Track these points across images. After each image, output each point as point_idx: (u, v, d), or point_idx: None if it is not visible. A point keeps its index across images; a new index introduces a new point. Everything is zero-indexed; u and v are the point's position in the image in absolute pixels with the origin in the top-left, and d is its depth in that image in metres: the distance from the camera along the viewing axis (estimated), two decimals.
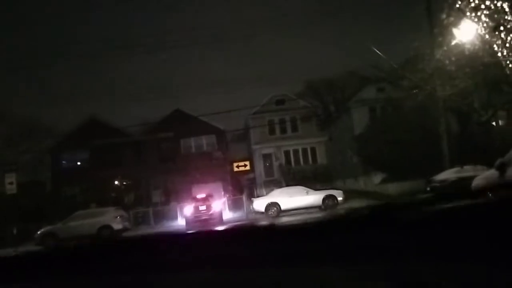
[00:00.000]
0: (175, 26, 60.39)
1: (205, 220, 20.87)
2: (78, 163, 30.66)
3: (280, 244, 1.67)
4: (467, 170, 18.44)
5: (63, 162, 30.54)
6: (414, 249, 1.48)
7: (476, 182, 9.94)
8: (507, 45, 13.43)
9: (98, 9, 60.85)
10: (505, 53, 13.83)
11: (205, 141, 31.44)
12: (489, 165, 13.62)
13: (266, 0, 62.94)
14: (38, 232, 19.70)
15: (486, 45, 15.83)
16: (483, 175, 9.99)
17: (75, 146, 29.18)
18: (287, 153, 31.38)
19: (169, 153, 29.22)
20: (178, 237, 2.37)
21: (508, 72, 14.76)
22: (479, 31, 15.65)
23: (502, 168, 8.06)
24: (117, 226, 19.83)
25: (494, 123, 22.91)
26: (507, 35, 12.98)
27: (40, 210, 24.54)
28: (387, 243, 1.53)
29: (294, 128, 32.08)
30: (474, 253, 1.41)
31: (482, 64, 17.65)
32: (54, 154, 30.39)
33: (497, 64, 15.93)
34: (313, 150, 31.55)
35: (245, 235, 1.97)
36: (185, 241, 2.06)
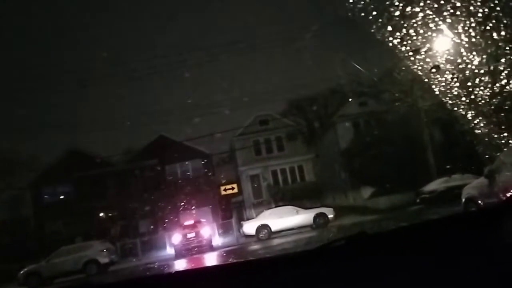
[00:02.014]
0: (155, 52, 60.59)
1: (195, 247, 20.42)
2: (61, 197, 29.98)
3: (258, 277, 1.67)
4: (455, 179, 18.54)
5: (45, 196, 29.83)
6: (390, 277, 1.47)
7: (467, 192, 9.85)
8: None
9: (77, 37, 60.81)
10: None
11: (191, 166, 31.13)
12: (477, 172, 13.62)
13: (243, 22, 63.77)
14: (21, 272, 18.99)
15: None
16: (473, 184, 9.92)
17: (57, 180, 28.55)
18: (274, 173, 31.20)
19: (154, 181, 28.76)
20: (165, 275, 2.26)
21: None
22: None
23: (491, 176, 7.99)
24: (103, 260, 19.27)
25: (476, 132, 23.14)
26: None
27: (22, 249, 23.75)
28: (363, 272, 1.53)
29: (280, 148, 32.00)
30: (454, 280, 1.39)
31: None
32: (35, 189, 29.71)
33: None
34: (300, 168, 31.43)
35: (225, 271, 1.94)
36: (172, 280, 1.94)
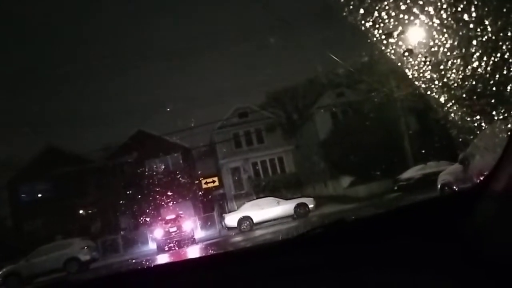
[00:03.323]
0: (131, 47, 59.52)
1: (177, 241, 20.37)
2: (39, 195, 29.37)
3: (239, 268, 1.69)
4: (431, 166, 18.98)
5: (23, 195, 29.19)
6: (369, 264, 1.49)
7: (442, 178, 10.11)
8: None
9: (51, 31, 59.21)
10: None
11: (171, 161, 30.90)
12: (451, 159, 13.97)
13: (220, 16, 63.29)
14: (0, 273, 18.59)
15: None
16: (448, 170, 10.19)
17: (34, 178, 27.96)
18: (255, 165, 31.27)
19: (134, 176, 28.44)
20: (147, 270, 2.27)
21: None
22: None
23: (465, 162, 8.20)
24: (84, 257, 19.09)
25: (450, 118, 23.68)
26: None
27: (0, 249, 23.21)
28: (343, 259, 1.56)
29: (260, 140, 32.07)
30: (431, 264, 1.43)
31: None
32: (12, 187, 29.03)
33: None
34: (280, 159, 31.60)
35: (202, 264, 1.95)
36: (154, 273, 1.95)
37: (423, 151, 21.82)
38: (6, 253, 22.16)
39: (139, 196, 27.71)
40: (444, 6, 2.82)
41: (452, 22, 2.80)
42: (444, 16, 2.81)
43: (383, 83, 22.12)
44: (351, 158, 23.74)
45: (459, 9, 2.75)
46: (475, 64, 2.89)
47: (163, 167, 30.33)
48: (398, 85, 21.80)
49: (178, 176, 29.56)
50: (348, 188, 25.75)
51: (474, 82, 3.16)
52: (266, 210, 20.95)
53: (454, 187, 9.44)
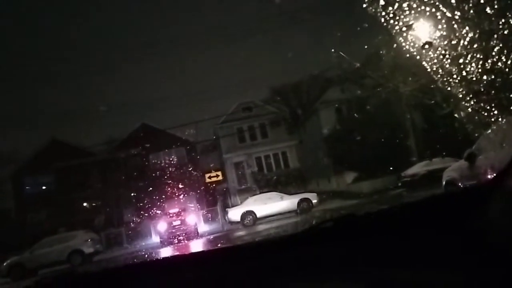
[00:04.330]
0: (136, 41, 59.57)
1: (180, 235, 20.41)
2: (43, 187, 29.51)
3: (244, 262, 1.67)
4: (436, 163, 18.87)
5: (27, 187, 29.33)
6: (378, 259, 1.48)
7: (447, 174, 10.04)
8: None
9: (55, 25, 59.25)
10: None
11: (175, 154, 30.94)
12: (456, 156, 13.91)
13: (225, 10, 63.17)
14: (4, 264, 18.71)
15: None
16: (453, 167, 10.11)
17: (38, 170, 28.05)
18: (258, 160, 31.28)
19: (138, 169, 28.49)
20: (150, 263, 2.25)
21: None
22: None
23: (471, 159, 8.15)
24: (88, 249, 19.15)
25: (456, 115, 23.56)
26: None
27: (4, 240, 23.36)
28: (351, 254, 1.54)
29: (264, 134, 32.06)
30: (439, 260, 1.42)
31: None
32: (16, 180, 29.14)
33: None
34: (284, 154, 31.60)
35: (203, 258, 1.92)
36: (156, 268, 1.94)
37: (428, 147, 21.72)
38: (11, 244, 22.31)
39: (143, 190, 27.78)
40: None
41: (474, 14, 2.73)
42: (466, 8, 2.75)
43: (389, 78, 21.99)
44: (355, 154, 23.67)
45: (481, 1, 2.68)
46: (496, 57, 2.82)
47: (167, 161, 30.40)
48: (404, 81, 21.67)
49: (182, 170, 29.62)
50: (352, 184, 25.71)
51: (493, 76, 3.10)
52: (269, 205, 20.96)
53: (459, 184, 9.39)
